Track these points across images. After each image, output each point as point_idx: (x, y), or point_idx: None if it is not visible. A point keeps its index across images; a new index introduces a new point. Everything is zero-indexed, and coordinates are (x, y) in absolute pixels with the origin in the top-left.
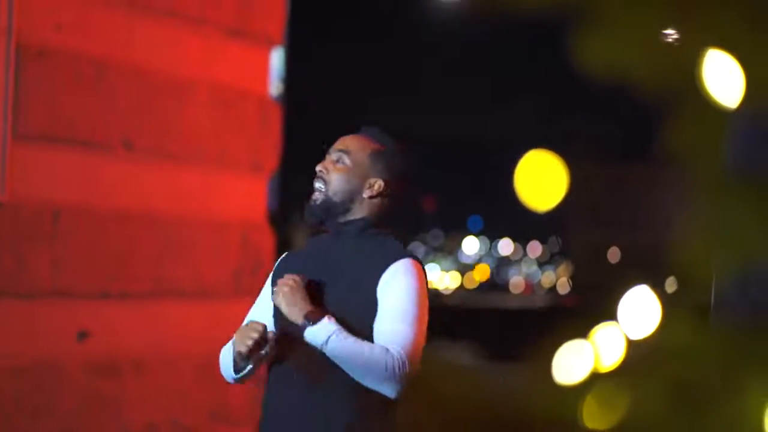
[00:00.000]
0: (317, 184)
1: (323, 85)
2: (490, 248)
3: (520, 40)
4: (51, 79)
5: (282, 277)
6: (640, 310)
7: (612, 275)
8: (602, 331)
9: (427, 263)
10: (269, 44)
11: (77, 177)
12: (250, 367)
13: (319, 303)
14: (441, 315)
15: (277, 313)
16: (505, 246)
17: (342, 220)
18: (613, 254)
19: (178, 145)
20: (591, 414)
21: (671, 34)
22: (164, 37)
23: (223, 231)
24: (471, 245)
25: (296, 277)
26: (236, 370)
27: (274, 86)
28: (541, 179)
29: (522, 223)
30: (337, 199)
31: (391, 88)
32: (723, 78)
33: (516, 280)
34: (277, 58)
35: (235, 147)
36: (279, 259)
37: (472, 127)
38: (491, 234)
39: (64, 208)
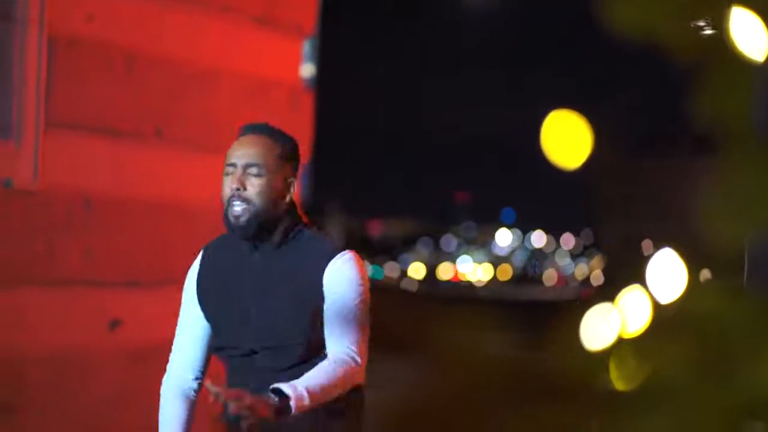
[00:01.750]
0: (237, 203)
1: (356, 75)
2: (523, 240)
3: (554, 34)
4: (82, 68)
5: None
6: (666, 274)
7: (645, 267)
8: (628, 295)
9: (459, 255)
10: (300, 33)
11: (108, 165)
12: None
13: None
14: (474, 306)
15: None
16: (538, 238)
17: (264, 231)
18: (647, 246)
19: (208, 133)
20: (616, 376)
21: None
22: (195, 26)
23: None
24: (504, 237)
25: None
26: None
27: (305, 75)
28: (566, 137)
29: (555, 216)
30: (264, 213)
31: (425, 81)
32: (749, 33)
33: (549, 272)
34: (308, 47)
35: None
36: (200, 257)
37: (507, 120)
38: (524, 226)
39: (95, 196)
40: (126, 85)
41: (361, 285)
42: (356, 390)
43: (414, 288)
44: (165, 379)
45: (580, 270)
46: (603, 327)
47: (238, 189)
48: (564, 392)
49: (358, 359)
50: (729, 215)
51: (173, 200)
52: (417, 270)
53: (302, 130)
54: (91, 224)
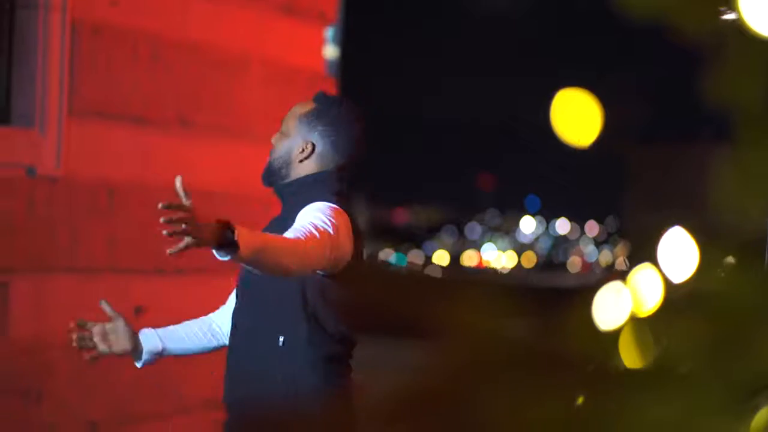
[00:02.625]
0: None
1: (381, 63)
2: (547, 227)
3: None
4: (106, 55)
5: None
6: (678, 253)
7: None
8: (640, 274)
9: (484, 243)
10: (323, 20)
11: (132, 153)
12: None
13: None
14: (498, 292)
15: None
16: (563, 225)
17: (283, 183)
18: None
19: (232, 120)
20: (627, 354)
21: None
22: (218, 14)
23: (277, 207)
24: (528, 225)
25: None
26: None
27: (328, 62)
28: (575, 115)
29: (579, 203)
30: (276, 164)
31: (450, 67)
32: (760, 11)
33: (573, 259)
34: (331, 34)
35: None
36: None
37: (530, 107)
38: (548, 214)
39: (119, 184)
40: (150, 72)
41: (327, 215)
42: (342, 375)
43: (438, 274)
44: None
45: (605, 257)
46: (615, 306)
47: (273, 140)
48: (573, 371)
49: (310, 234)
50: (745, 198)
51: (198, 187)
52: (441, 257)
53: None
54: (115, 212)
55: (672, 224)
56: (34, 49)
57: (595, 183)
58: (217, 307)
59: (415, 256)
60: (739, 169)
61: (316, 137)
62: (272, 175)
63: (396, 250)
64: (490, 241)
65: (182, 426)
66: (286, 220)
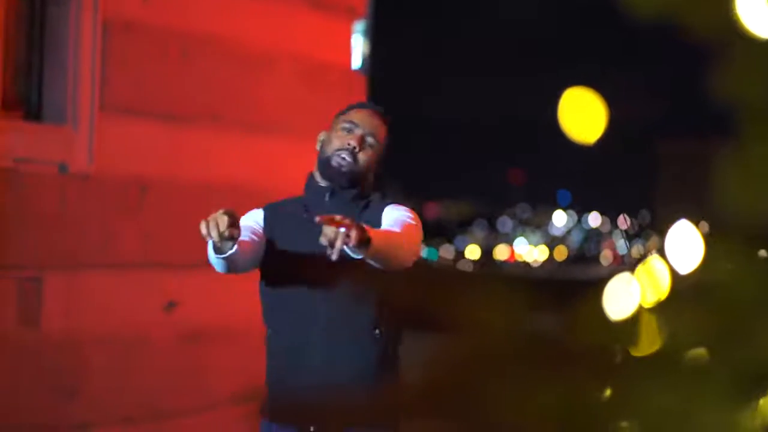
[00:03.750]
0: (346, 156)
1: (410, 57)
2: (579, 221)
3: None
4: (137, 52)
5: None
6: (684, 245)
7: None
8: (648, 265)
9: (515, 237)
10: (352, 15)
11: (163, 149)
12: (232, 246)
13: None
14: (529, 285)
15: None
16: (594, 219)
17: (355, 185)
18: (704, 228)
19: (262, 116)
20: (636, 343)
21: None
22: (248, 10)
23: None
24: (560, 219)
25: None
26: (219, 252)
27: (358, 57)
28: (581, 113)
29: (610, 197)
30: (361, 176)
31: (479, 63)
32: (755, 10)
33: (605, 253)
34: (360, 29)
35: (319, 118)
36: (259, 209)
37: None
38: (580, 208)
39: (150, 180)
40: (180, 68)
41: (413, 216)
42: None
43: (470, 268)
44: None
45: (637, 250)
46: (624, 297)
47: (354, 148)
48: (584, 360)
49: (414, 230)
50: (750, 192)
51: (229, 183)
52: (473, 251)
53: None
54: (147, 208)
55: (704, 218)
56: (65, 47)
57: (627, 176)
58: (248, 301)
59: (447, 251)
60: (744, 165)
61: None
62: (352, 183)
63: (427, 245)
64: (521, 235)
65: (212, 420)
66: (355, 216)
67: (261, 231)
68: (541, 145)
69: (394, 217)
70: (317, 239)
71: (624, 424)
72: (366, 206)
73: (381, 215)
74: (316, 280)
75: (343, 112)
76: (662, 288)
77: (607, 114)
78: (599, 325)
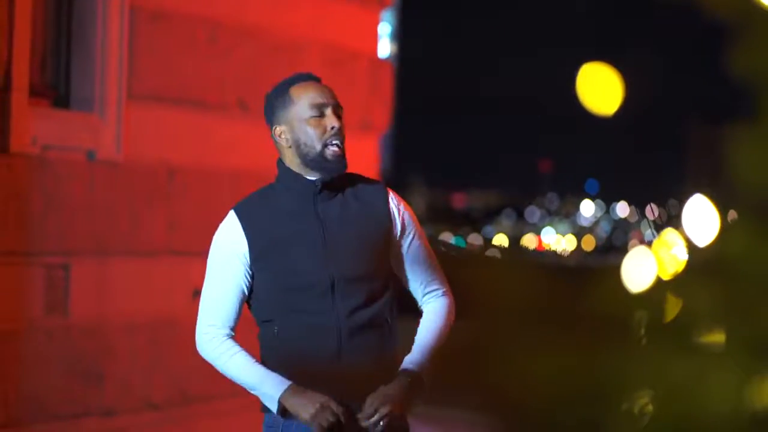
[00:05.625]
0: (337, 141)
1: (437, 45)
2: (607, 210)
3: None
4: (165, 40)
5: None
6: (700, 218)
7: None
8: (665, 239)
9: (543, 227)
10: (380, 4)
11: (191, 137)
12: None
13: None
14: (555, 272)
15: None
16: (622, 209)
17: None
18: (732, 216)
19: None
20: (652, 314)
21: None
22: None
23: None
24: (588, 208)
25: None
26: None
27: (385, 46)
28: (599, 87)
29: (638, 186)
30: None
31: (506, 50)
32: None
33: (633, 242)
34: (388, 18)
35: (346, 106)
36: (235, 220)
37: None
38: (608, 197)
39: (178, 167)
40: (209, 56)
41: (418, 226)
42: None
43: (498, 255)
44: (207, 341)
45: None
46: (642, 270)
47: (341, 128)
48: (603, 329)
49: (451, 296)
50: (765, 167)
51: (256, 170)
52: (500, 241)
53: (382, 101)
54: (175, 195)
55: (731, 206)
56: (93, 34)
57: (656, 166)
58: None
59: (474, 240)
60: (761, 140)
61: None
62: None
63: (455, 234)
64: (549, 224)
65: (238, 406)
66: (348, 204)
67: (245, 280)
68: (570, 134)
69: (419, 256)
70: (320, 228)
71: (638, 394)
72: (351, 185)
73: (381, 203)
74: (325, 274)
75: (281, 94)
76: (679, 261)
77: (624, 88)
78: (618, 297)
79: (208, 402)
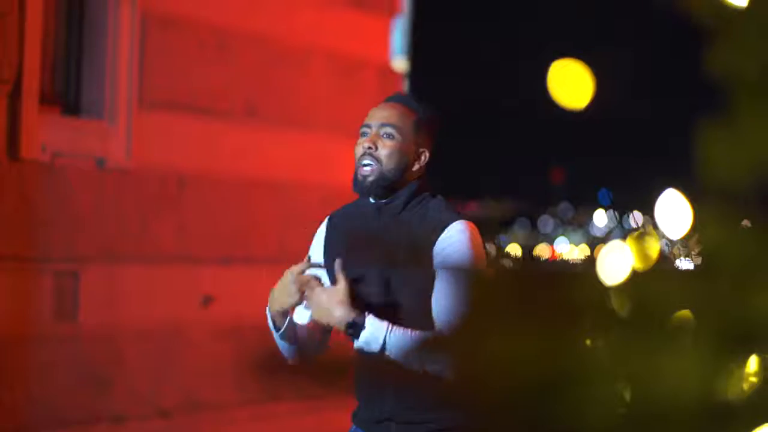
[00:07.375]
0: (367, 161)
1: (448, 54)
2: (620, 221)
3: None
4: (175, 47)
5: (335, 244)
6: (673, 213)
7: None
8: (640, 234)
9: (556, 237)
10: (390, 13)
11: (201, 143)
12: (287, 323)
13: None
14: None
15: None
16: (636, 219)
17: (389, 193)
18: (745, 224)
19: (299, 112)
20: (629, 305)
21: None
22: (285, 5)
23: (344, 197)
24: (601, 218)
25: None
26: (276, 327)
27: (395, 55)
28: (569, 83)
29: (652, 197)
30: (391, 175)
31: (519, 58)
32: None
33: None
34: (398, 27)
35: (355, 115)
36: (325, 224)
37: (601, 101)
38: (621, 207)
39: (188, 174)
40: (218, 63)
41: (469, 256)
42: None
43: (510, 264)
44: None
45: (678, 249)
46: (617, 263)
47: (370, 148)
48: (579, 320)
49: (447, 334)
50: (740, 163)
51: (265, 178)
52: (514, 250)
53: None
54: (184, 202)
55: (746, 217)
56: (103, 41)
57: (669, 175)
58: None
59: (490, 249)
60: (735, 136)
61: (429, 144)
62: (383, 187)
63: None
64: (562, 234)
65: (248, 415)
66: (398, 237)
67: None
68: (582, 143)
69: (445, 292)
70: (374, 254)
71: (613, 381)
72: (423, 216)
73: (431, 238)
74: (377, 294)
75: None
76: (653, 254)
77: (594, 84)
78: (596, 290)
79: (217, 409)
